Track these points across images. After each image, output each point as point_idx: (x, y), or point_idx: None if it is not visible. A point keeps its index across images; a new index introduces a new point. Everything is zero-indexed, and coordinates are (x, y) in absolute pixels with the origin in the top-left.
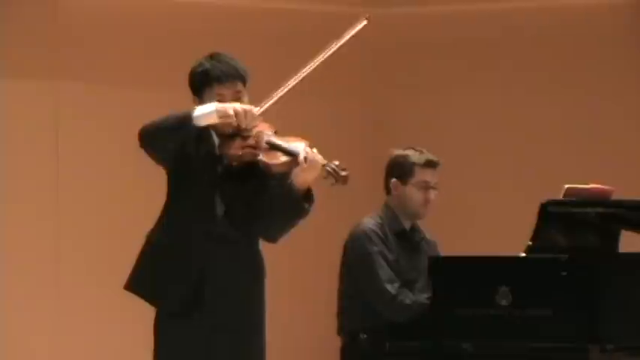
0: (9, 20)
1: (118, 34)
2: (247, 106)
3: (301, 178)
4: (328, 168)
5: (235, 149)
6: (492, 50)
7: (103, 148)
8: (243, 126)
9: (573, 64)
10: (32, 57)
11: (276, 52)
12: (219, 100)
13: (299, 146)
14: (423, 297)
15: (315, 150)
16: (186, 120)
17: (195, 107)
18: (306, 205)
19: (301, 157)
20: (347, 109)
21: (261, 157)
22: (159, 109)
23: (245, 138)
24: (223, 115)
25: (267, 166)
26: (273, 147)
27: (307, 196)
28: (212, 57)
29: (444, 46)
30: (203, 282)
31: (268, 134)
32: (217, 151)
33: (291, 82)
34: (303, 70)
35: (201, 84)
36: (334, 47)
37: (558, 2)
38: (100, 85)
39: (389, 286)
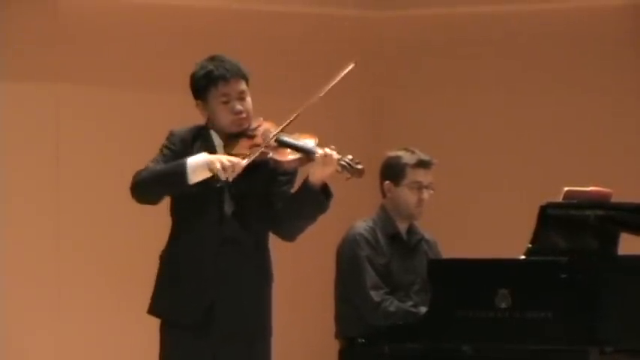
0: (9, 20)
1: (119, 34)
2: (235, 159)
3: (318, 174)
4: (343, 162)
5: (243, 148)
6: (492, 51)
7: (103, 148)
8: (224, 178)
9: (573, 65)
10: (32, 57)
11: (279, 54)
12: (225, 101)
13: (309, 143)
14: (409, 304)
15: (332, 147)
16: (180, 179)
17: (187, 162)
18: (326, 200)
19: (318, 153)
20: (347, 109)
21: (271, 154)
22: (159, 109)
23: (251, 137)
24: (213, 168)
25: (278, 164)
26: (283, 144)
27: (325, 191)
28: (213, 58)
29: (444, 47)
30: (215, 294)
31: (276, 132)
32: (221, 152)
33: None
34: (296, 111)
35: (206, 85)
36: (326, 88)
37: (559, 4)
38: (100, 85)
39: (373, 293)
